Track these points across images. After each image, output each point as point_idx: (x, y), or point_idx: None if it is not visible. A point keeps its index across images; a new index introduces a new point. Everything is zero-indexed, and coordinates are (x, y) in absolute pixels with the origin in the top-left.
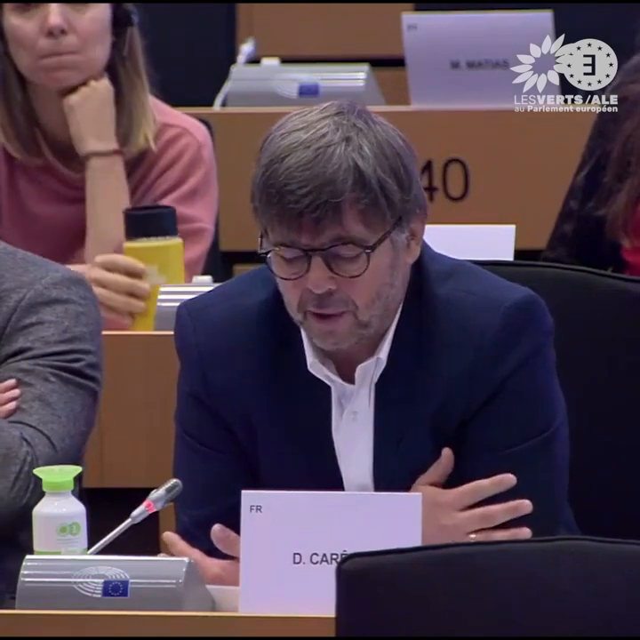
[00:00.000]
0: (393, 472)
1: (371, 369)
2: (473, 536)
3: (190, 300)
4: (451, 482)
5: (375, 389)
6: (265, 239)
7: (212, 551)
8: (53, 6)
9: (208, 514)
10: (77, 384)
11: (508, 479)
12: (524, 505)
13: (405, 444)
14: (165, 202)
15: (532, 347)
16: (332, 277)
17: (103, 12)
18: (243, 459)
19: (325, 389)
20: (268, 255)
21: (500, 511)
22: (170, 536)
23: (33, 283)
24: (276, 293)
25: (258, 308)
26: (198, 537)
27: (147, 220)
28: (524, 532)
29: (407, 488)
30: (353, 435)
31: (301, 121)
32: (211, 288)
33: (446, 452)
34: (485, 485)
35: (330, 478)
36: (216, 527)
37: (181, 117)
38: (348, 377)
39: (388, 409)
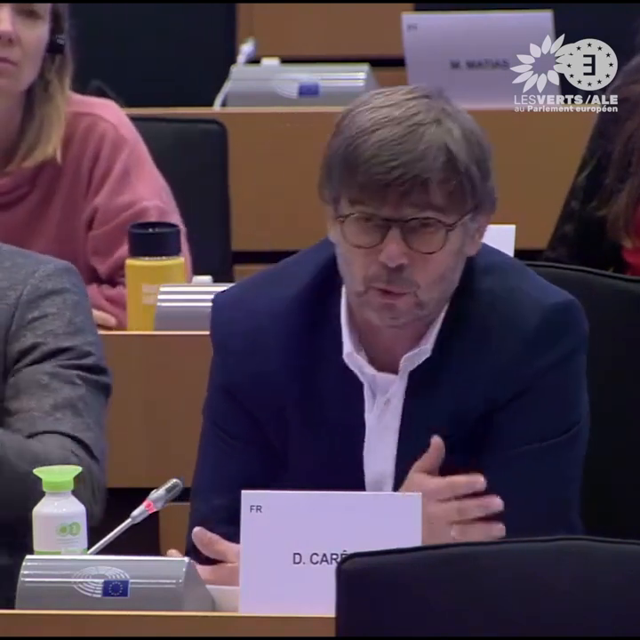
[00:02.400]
0: (414, 460)
1: (414, 358)
2: (453, 531)
3: (226, 290)
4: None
5: (408, 377)
6: (338, 208)
7: (231, 536)
8: (6, 13)
9: (232, 502)
10: (96, 384)
11: (479, 482)
12: (495, 502)
13: (430, 433)
14: (102, 196)
15: (567, 349)
16: (406, 252)
17: (45, 32)
18: (270, 451)
19: (359, 385)
20: (343, 221)
21: (473, 505)
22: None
23: (26, 279)
24: (315, 283)
25: (291, 298)
26: (218, 526)
27: (149, 239)
28: (497, 528)
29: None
30: (383, 421)
31: (389, 99)
32: (210, 288)
33: (435, 441)
34: (460, 482)
35: (352, 466)
36: (196, 529)
37: (91, 103)
38: (383, 367)
39: (419, 397)
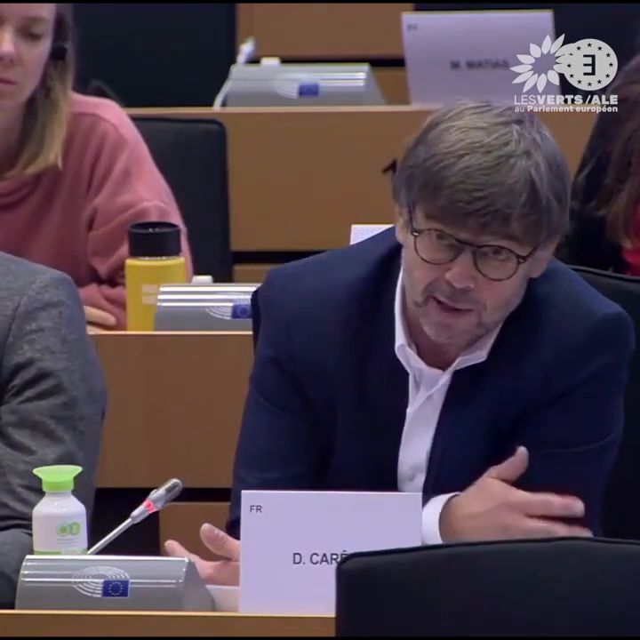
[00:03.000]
0: (446, 454)
1: (467, 360)
2: None
3: (281, 266)
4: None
5: (453, 374)
6: (412, 216)
7: None
8: (9, 34)
9: (277, 477)
10: (94, 416)
11: (578, 506)
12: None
13: (467, 429)
14: (102, 196)
15: (611, 361)
16: (474, 276)
17: (47, 46)
18: (317, 427)
19: (405, 373)
20: (418, 235)
21: (564, 531)
22: (171, 544)
23: (23, 289)
24: (372, 272)
25: (349, 284)
26: None
27: (149, 239)
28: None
29: (457, 474)
30: (422, 414)
31: (481, 120)
32: (210, 288)
33: (521, 452)
34: (556, 503)
35: (388, 455)
36: (205, 526)
37: (91, 103)
38: (432, 361)
39: (462, 396)
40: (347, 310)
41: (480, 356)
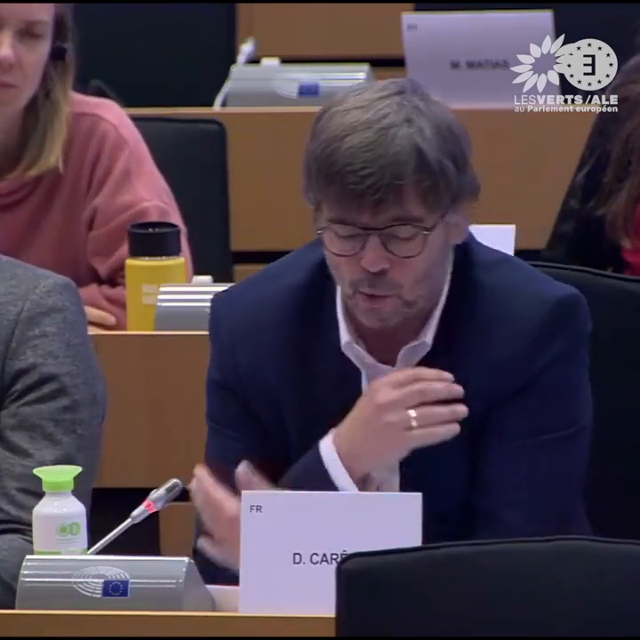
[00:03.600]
0: (416, 451)
1: (414, 351)
2: (413, 413)
3: (225, 289)
4: (470, 467)
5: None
6: (319, 214)
7: None
8: (8, 38)
9: None
10: (93, 422)
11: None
12: (456, 388)
13: None
14: (102, 197)
15: (569, 344)
16: (386, 257)
17: (47, 48)
18: (266, 443)
19: (357, 371)
20: (322, 232)
21: (440, 387)
22: (200, 472)
23: (27, 294)
24: (311, 276)
25: (289, 289)
26: None
27: (149, 239)
28: (461, 410)
29: (429, 469)
30: None
31: (361, 99)
32: (210, 288)
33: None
34: (427, 371)
35: None
36: (241, 468)
37: (92, 103)
38: (383, 357)
39: None
40: (285, 313)
41: (425, 344)
